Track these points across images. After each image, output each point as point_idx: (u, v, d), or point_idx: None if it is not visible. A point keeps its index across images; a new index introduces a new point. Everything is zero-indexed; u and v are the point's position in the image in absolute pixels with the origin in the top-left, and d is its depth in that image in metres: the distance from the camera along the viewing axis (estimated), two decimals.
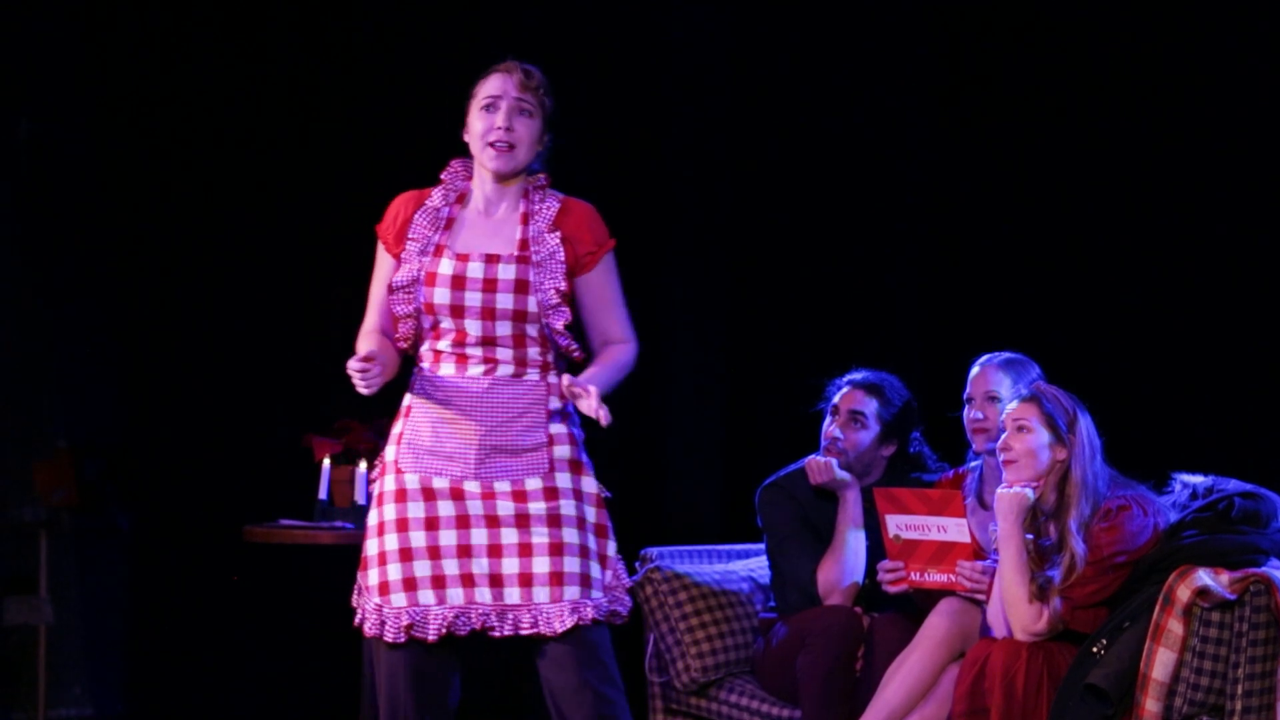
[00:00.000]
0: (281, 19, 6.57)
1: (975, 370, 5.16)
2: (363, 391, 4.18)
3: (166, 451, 6.49)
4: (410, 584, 4.21)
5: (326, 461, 5.90)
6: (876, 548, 5.16)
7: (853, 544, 5.25)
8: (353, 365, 4.16)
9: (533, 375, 4.24)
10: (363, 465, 5.85)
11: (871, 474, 5.34)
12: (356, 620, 4.30)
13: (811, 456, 5.34)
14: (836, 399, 5.37)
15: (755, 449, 6.46)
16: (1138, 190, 6.02)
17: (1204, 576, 4.47)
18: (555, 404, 4.26)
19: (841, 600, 5.23)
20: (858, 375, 5.40)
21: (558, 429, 4.25)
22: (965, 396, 5.16)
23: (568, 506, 4.22)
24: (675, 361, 6.50)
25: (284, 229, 6.58)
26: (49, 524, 6.38)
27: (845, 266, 6.44)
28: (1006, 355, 5.17)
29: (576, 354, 4.27)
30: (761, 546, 5.61)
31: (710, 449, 6.51)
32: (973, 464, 5.23)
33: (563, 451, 4.25)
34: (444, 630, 4.18)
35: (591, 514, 4.26)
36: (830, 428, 5.34)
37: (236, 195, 6.57)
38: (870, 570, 5.19)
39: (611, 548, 4.28)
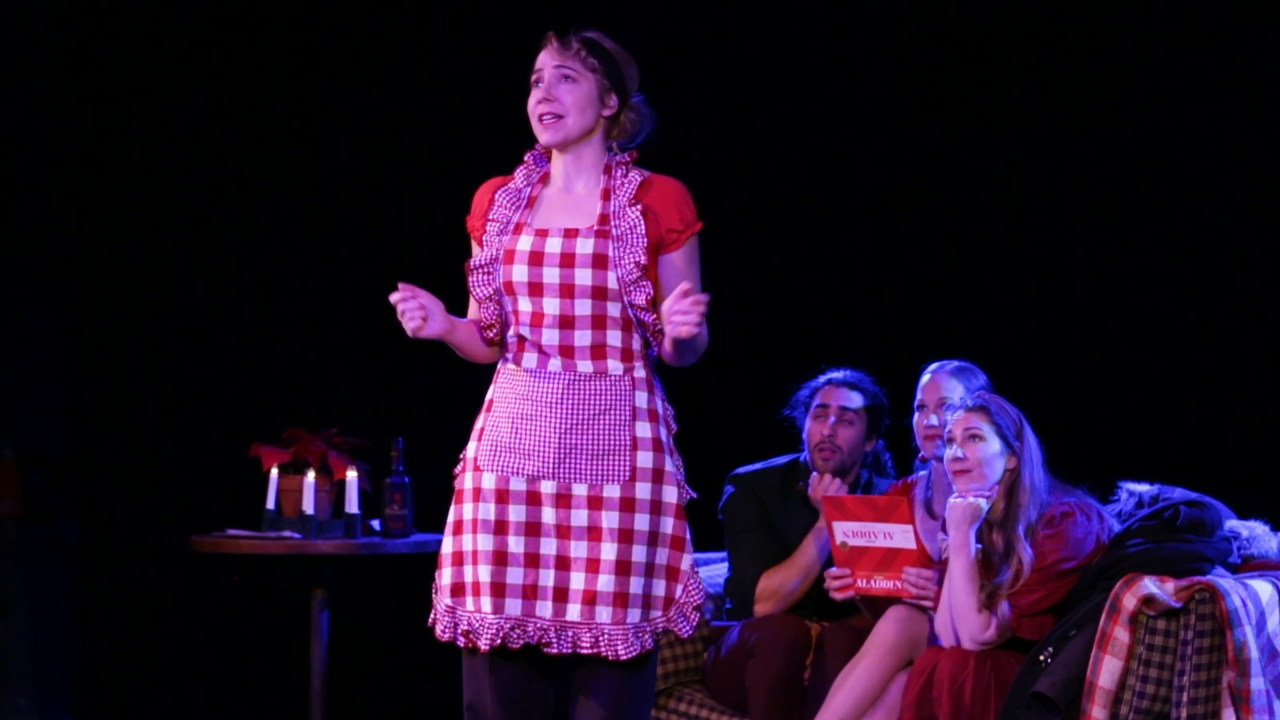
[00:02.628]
0: (244, 28, 6.55)
1: (926, 378, 5.17)
2: (408, 328, 4.00)
3: (113, 460, 6.46)
4: (475, 589, 4.06)
5: (274, 471, 5.88)
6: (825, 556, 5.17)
7: (810, 563, 5.23)
8: (392, 297, 3.99)
9: (615, 368, 4.06)
10: (310, 475, 5.83)
11: (853, 474, 5.33)
12: (430, 620, 4.13)
13: (814, 475, 5.28)
14: (821, 398, 5.33)
15: (705, 458, 6.44)
16: (1082, 201, 6.04)
17: (1150, 585, 4.48)
18: (641, 400, 4.08)
19: (774, 607, 5.22)
20: (837, 374, 5.37)
21: (643, 431, 4.07)
22: (916, 404, 5.17)
23: (642, 521, 4.04)
24: None
25: (234, 239, 6.56)
26: None
27: (796, 273, 6.45)
28: (957, 363, 5.18)
29: (658, 335, 4.08)
30: (711, 556, 5.62)
31: None
32: (920, 473, 5.23)
33: (645, 459, 4.05)
34: (497, 641, 4.02)
35: (669, 525, 4.07)
36: (820, 426, 5.30)
37: (187, 205, 6.54)
38: (818, 578, 5.19)
39: (686, 561, 4.08)
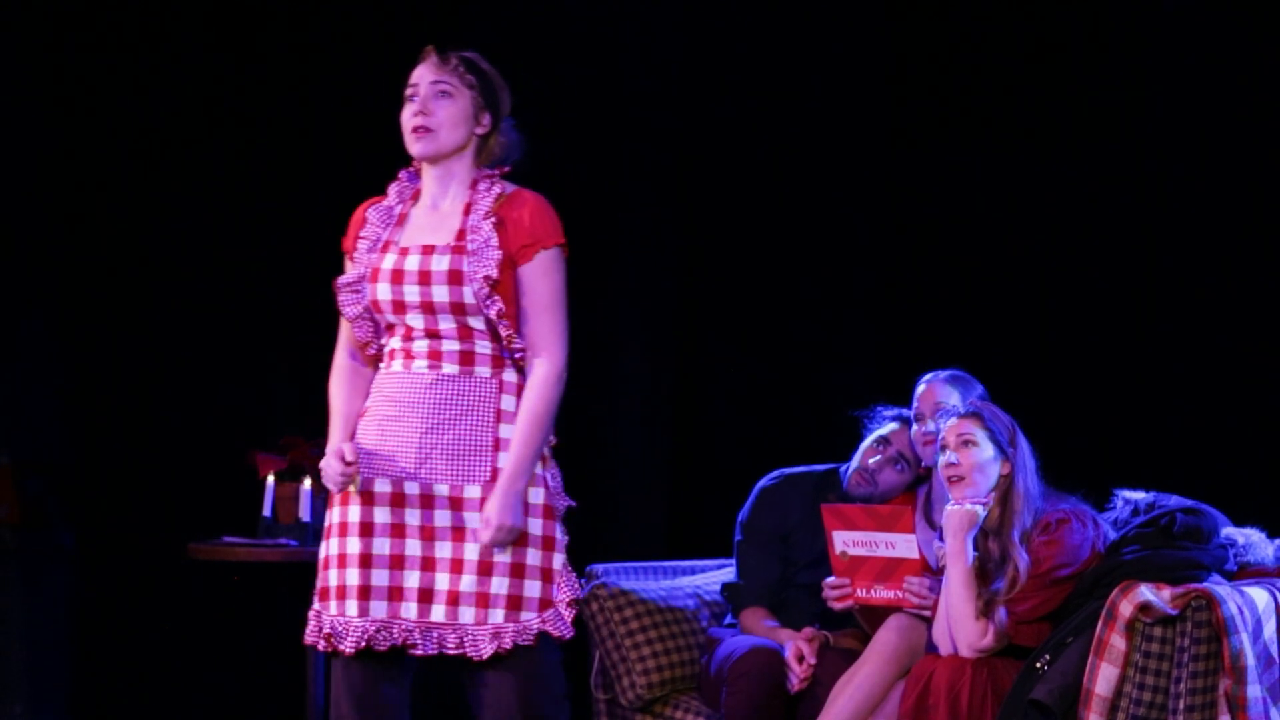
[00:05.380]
0: (245, 28, 6.54)
1: (922, 387, 5.17)
2: (331, 488, 4.13)
3: (110, 468, 6.45)
4: (341, 591, 4.11)
5: (271, 478, 5.87)
6: (824, 564, 5.15)
7: (777, 641, 5.15)
8: (335, 468, 4.09)
9: (483, 371, 4.10)
10: (307, 482, 5.83)
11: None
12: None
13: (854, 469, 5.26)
14: (887, 431, 5.25)
15: (702, 466, 6.46)
16: (1077, 210, 6.06)
17: (1146, 592, 4.49)
18: (509, 404, 4.10)
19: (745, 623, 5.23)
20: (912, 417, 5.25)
21: (507, 434, 4.10)
22: (913, 414, 5.17)
23: None
24: (622, 377, 6.49)
25: (230, 245, 6.55)
26: None
27: (794, 283, 6.45)
28: (952, 371, 5.18)
29: (519, 351, 4.12)
30: (706, 564, 5.62)
31: (657, 465, 6.50)
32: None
33: (507, 460, 4.09)
34: (362, 643, 4.07)
35: (536, 526, 4.09)
36: (873, 454, 5.24)
37: (181, 210, 6.53)
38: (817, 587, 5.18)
39: (558, 560, 4.12)
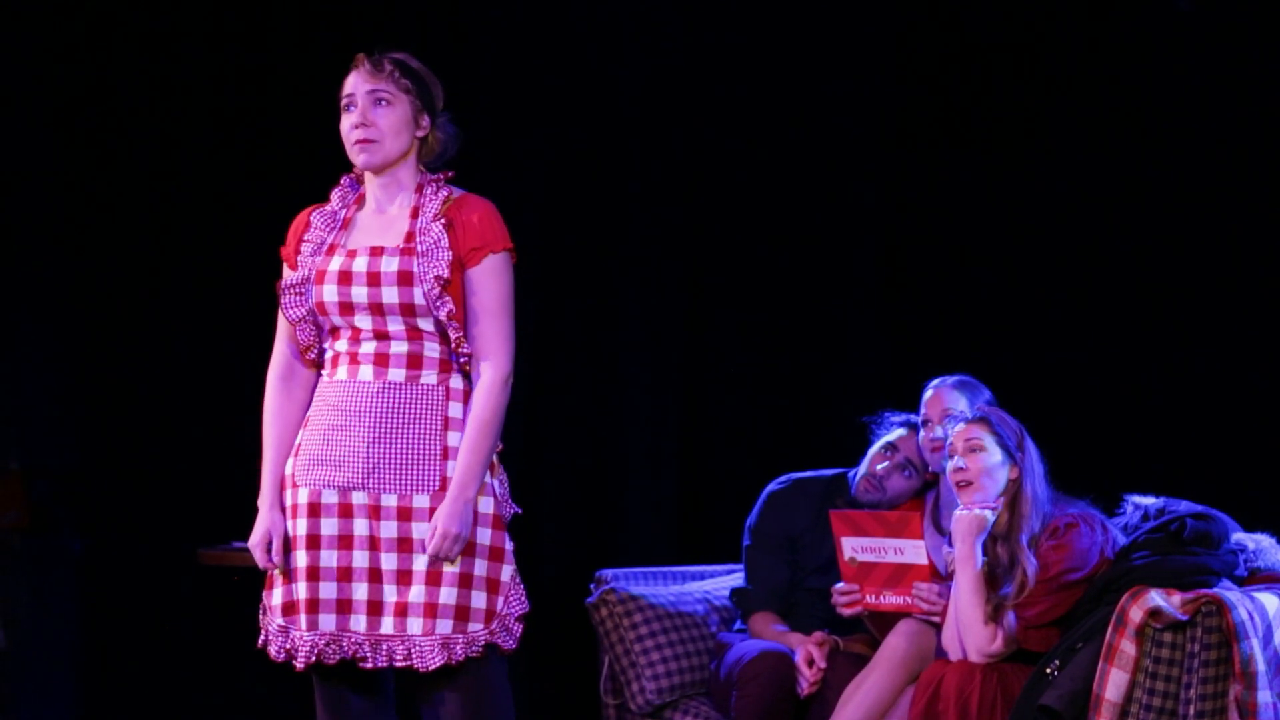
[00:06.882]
0: (247, 40, 6.56)
1: (929, 393, 5.18)
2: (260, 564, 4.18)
3: (119, 473, 6.45)
4: (290, 607, 4.10)
5: None
6: (833, 568, 5.16)
7: (786, 644, 5.17)
8: (259, 558, 4.14)
9: (429, 378, 4.06)
10: None
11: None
12: (260, 641, 4.18)
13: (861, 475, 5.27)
14: (894, 438, 5.27)
15: (710, 471, 6.46)
16: (1084, 215, 6.06)
17: (1156, 597, 4.49)
18: (456, 411, 4.07)
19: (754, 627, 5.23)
20: (919, 422, 5.26)
21: (455, 441, 4.06)
22: (920, 420, 5.17)
23: None
24: (630, 383, 6.50)
25: (240, 251, 6.55)
26: None
27: (802, 287, 6.46)
28: (959, 377, 5.19)
29: (466, 356, 4.07)
30: (715, 569, 5.62)
31: (665, 471, 6.50)
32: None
33: (456, 468, 4.04)
34: (312, 658, 4.06)
35: (485, 536, 4.05)
36: (880, 461, 5.26)
37: (191, 216, 6.54)
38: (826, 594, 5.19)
39: (506, 572, 4.07)
